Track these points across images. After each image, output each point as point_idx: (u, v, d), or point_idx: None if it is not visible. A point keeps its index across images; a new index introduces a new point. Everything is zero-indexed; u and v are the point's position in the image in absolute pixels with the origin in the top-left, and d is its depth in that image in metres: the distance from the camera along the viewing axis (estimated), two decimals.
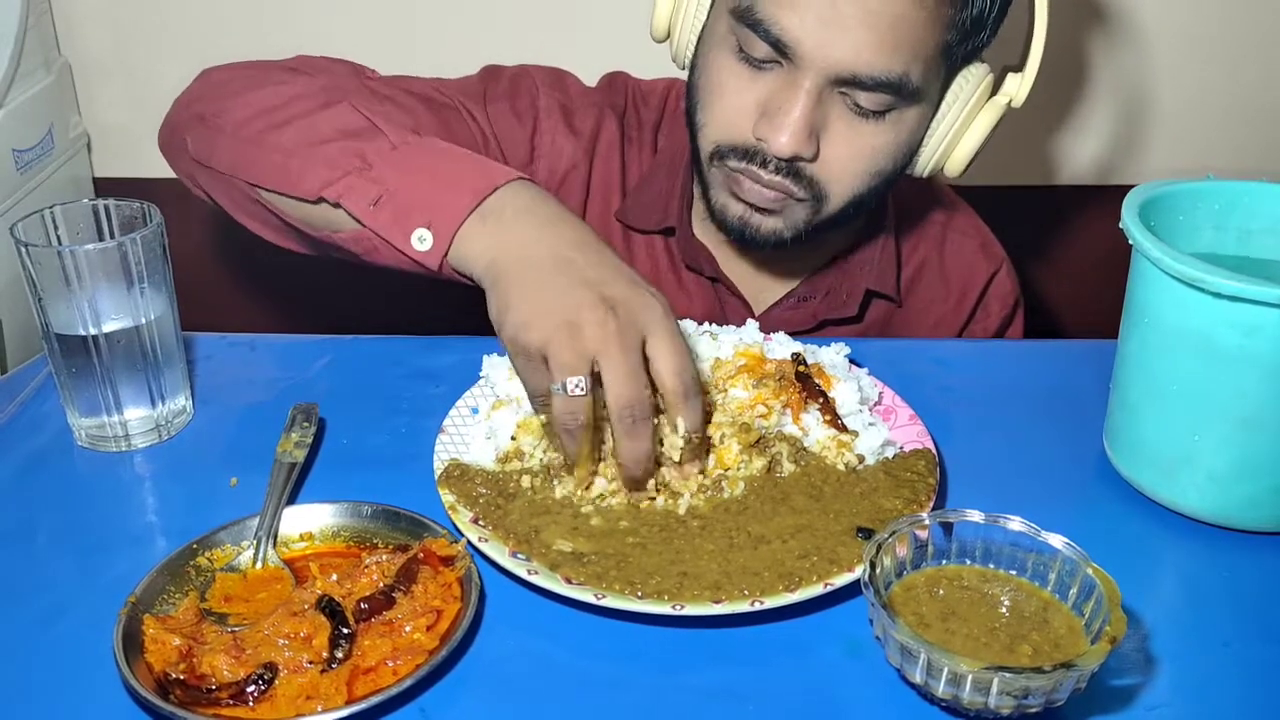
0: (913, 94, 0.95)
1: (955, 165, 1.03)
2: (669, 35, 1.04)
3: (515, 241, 0.80)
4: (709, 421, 0.82)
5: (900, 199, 1.15)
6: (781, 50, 0.93)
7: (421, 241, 0.83)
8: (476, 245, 0.81)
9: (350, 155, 0.87)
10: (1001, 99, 1.02)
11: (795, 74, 0.93)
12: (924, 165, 1.03)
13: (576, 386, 0.73)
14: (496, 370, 0.90)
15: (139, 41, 1.59)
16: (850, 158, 0.97)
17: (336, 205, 0.86)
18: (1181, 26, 1.59)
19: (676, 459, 0.78)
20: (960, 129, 1.01)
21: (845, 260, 1.14)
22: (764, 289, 1.15)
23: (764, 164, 0.97)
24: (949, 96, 1.00)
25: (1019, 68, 1.02)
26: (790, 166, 0.96)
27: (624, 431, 0.74)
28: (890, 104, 0.95)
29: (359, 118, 0.90)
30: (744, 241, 1.04)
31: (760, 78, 0.96)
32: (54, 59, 1.57)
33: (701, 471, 0.80)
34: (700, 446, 0.79)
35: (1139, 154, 1.68)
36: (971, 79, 0.99)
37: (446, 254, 0.82)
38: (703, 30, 1.01)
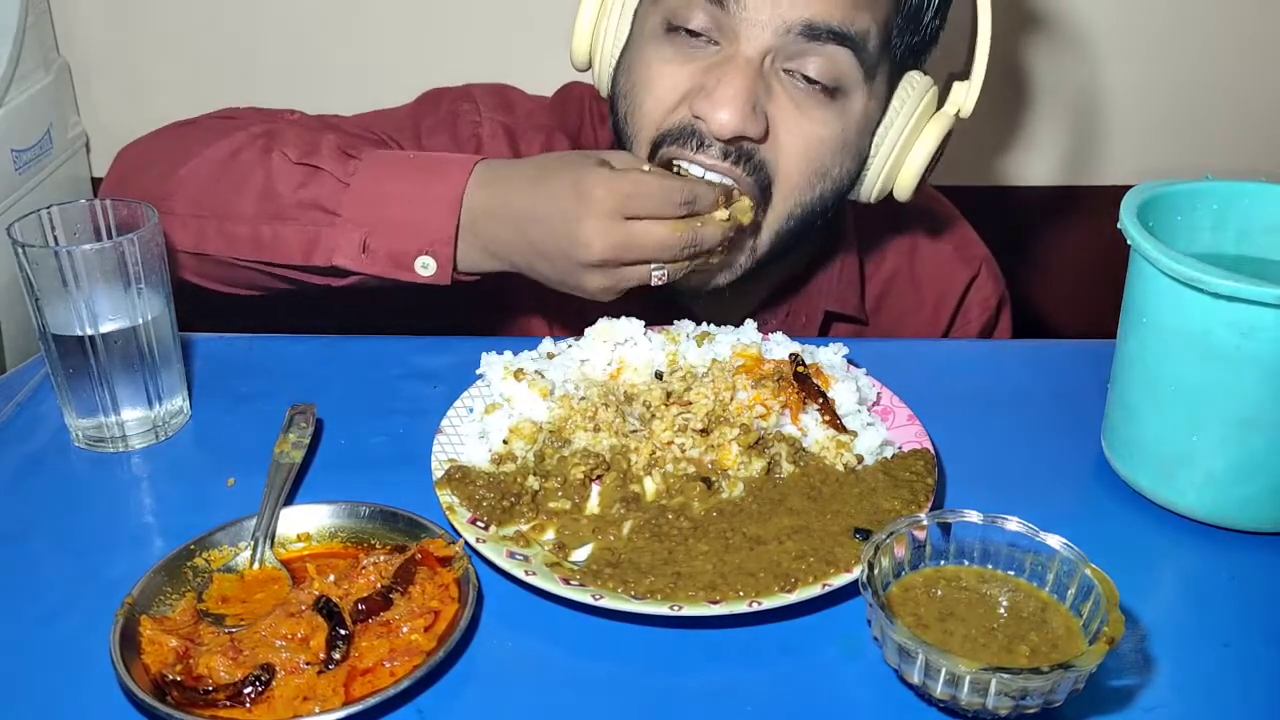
0: (866, 63, 0.90)
1: (905, 185, 0.98)
2: (590, 63, 0.99)
3: (520, 254, 0.87)
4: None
5: (863, 214, 1.10)
6: (721, 3, 0.87)
7: (425, 268, 0.88)
8: (476, 257, 0.88)
9: (309, 209, 0.88)
10: (949, 109, 0.98)
11: (735, 44, 0.89)
12: (872, 184, 0.98)
13: (657, 281, 0.86)
14: (493, 369, 0.90)
15: (138, 42, 1.59)
16: (797, 147, 0.92)
17: (330, 267, 0.89)
18: (1179, 25, 1.59)
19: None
20: (908, 142, 0.96)
21: (803, 281, 1.10)
22: (722, 314, 1.09)
23: (703, 147, 0.91)
24: (895, 102, 0.95)
25: (964, 75, 0.97)
26: (735, 149, 0.91)
27: (699, 249, 0.86)
28: (839, 77, 0.90)
29: (298, 169, 0.90)
30: (684, 296, 0.99)
31: (695, 57, 0.90)
32: (53, 59, 1.57)
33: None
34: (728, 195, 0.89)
35: (1136, 152, 1.67)
36: (916, 88, 0.95)
37: (454, 268, 0.89)
38: (627, 42, 0.97)
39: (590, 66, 1.00)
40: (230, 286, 0.98)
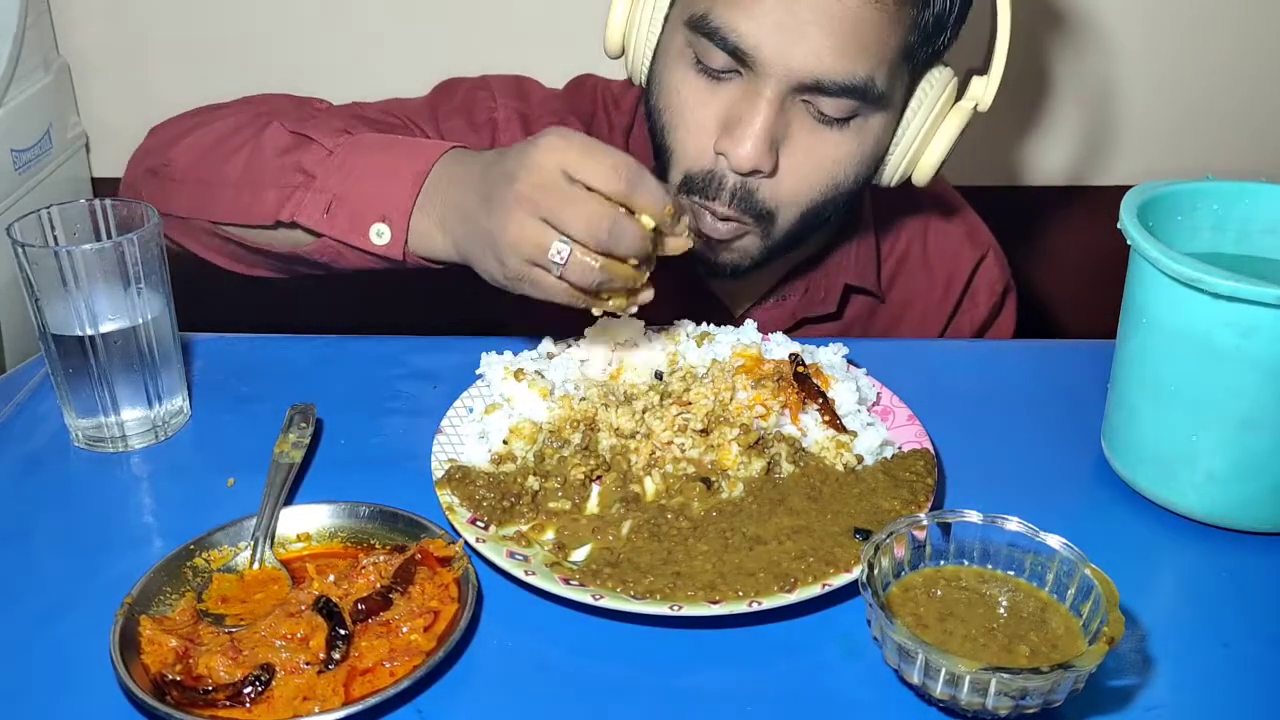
0: (877, 99, 0.93)
1: (923, 172, 1.01)
2: (623, 51, 1.02)
3: (457, 214, 0.84)
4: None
5: (879, 197, 1.13)
6: (740, 58, 0.91)
7: (380, 236, 0.86)
8: (428, 230, 0.85)
9: (291, 171, 0.89)
10: (967, 103, 1.00)
11: (756, 83, 0.91)
12: (891, 174, 1.02)
13: (556, 254, 0.77)
14: (493, 369, 0.90)
15: (138, 42, 1.59)
16: (807, 171, 0.95)
17: (293, 225, 0.88)
18: (1168, 27, 1.59)
19: (665, 250, 0.81)
20: (927, 135, 0.99)
21: (823, 257, 1.13)
22: (741, 290, 1.14)
23: (719, 193, 0.95)
24: (914, 102, 0.98)
25: (983, 70, 1.00)
26: (744, 189, 0.94)
27: (611, 246, 0.77)
28: (854, 110, 0.93)
29: (290, 136, 0.91)
30: (703, 272, 1.02)
31: (720, 89, 0.94)
32: (52, 59, 1.57)
33: (689, 234, 0.82)
34: (676, 216, 0.81)
35: (1137, 153, 1.67)
36: (936, 83, 0.98)
37: (406, 241, 0.86)
38: (658, 45, 0.99)
39: (623, 53, 1.02)
40: (207, 251, 1.00)
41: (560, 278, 0.78)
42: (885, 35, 0.91)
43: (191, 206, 0.94)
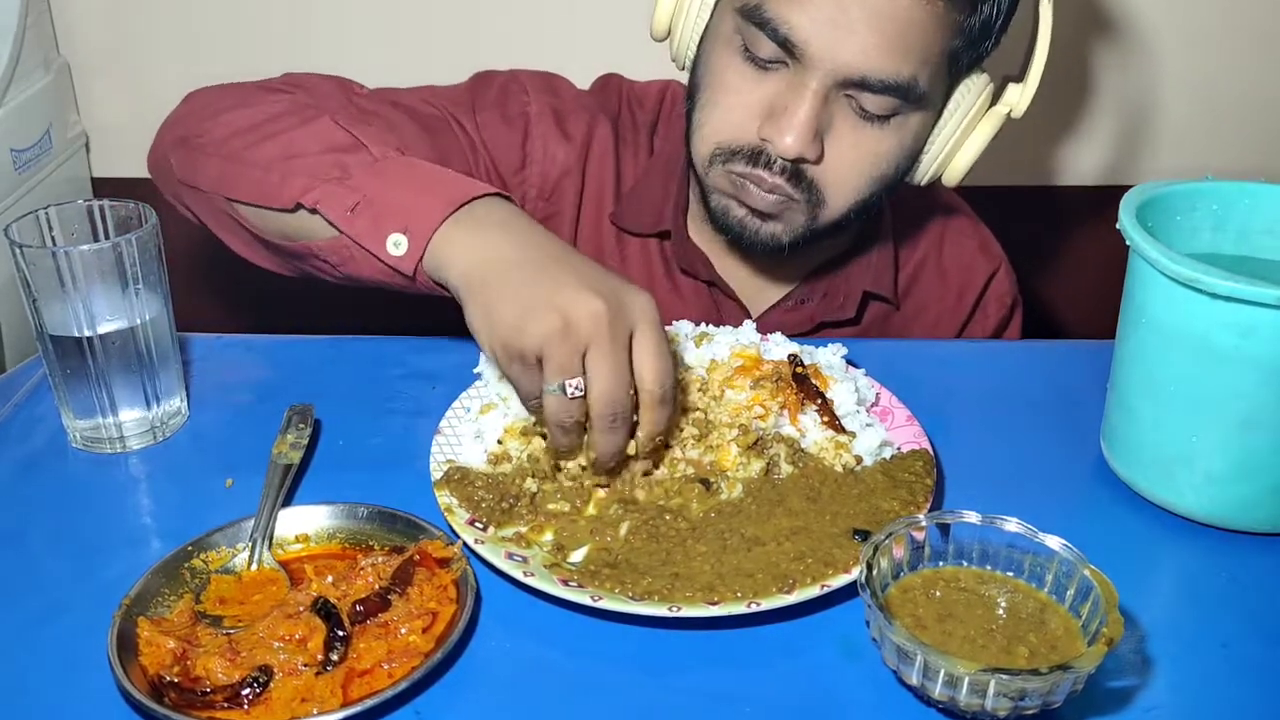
0: (919, 99, 0.95)
1: (954, 174, 1.03)
2: (669, 34, 1.04)
3: (491, 249, 0.79)
4: (676, 425, 0.82)
5: (898, 201, 1.15)
6: (789, 50, 0.92)
7: (397, 246, 0.82)
8: (452, 251, 0.80)
9: (330, 165, 0.87)
10: (1001, 109, 1.02)
11: (802, 75, 0.93)
12: (923, 174, 1.03)
13: (575, 389, 0.74)
14: (490, 369, 0.90)
15: (138, 41, 1.59)
16: (853, 162, 0.97)
17: (314, 211, 0.86)
18: (1181, 29, 1.59)
19: (631, 452, 0.79)
20: (960, 138, 1.01)
21: (842, 263, 1.14)
22: (760, 292, 1.15)
23: (768, 165, 0.96)
24: (950, 105, 1.00)
25: (1020, 78, 1.02)
26: (793, 168, 0.96)
27: (604, 429, 0.75)
28: (896, 108, 0.95)
29: (342, 133, 0.90)
30: (742, 244, 1.03)
31: (766, 78, 0.95)
32: (52, 59, 1.57)
33: (649, 472, 0.81)
34: (658, 448, 0.81)
35: (1140, 156, 1.67)
36: (973, 88, 0.99)
37: (421, 259, 0.81)
38: (705, 30, 1.01)
39: (669, 35, 1.04)
40: (221, 229, 0.98)
41: (540, 394, 0.75)
42: (932, 38, 0.92)
43: (216, 181, 0.93)
